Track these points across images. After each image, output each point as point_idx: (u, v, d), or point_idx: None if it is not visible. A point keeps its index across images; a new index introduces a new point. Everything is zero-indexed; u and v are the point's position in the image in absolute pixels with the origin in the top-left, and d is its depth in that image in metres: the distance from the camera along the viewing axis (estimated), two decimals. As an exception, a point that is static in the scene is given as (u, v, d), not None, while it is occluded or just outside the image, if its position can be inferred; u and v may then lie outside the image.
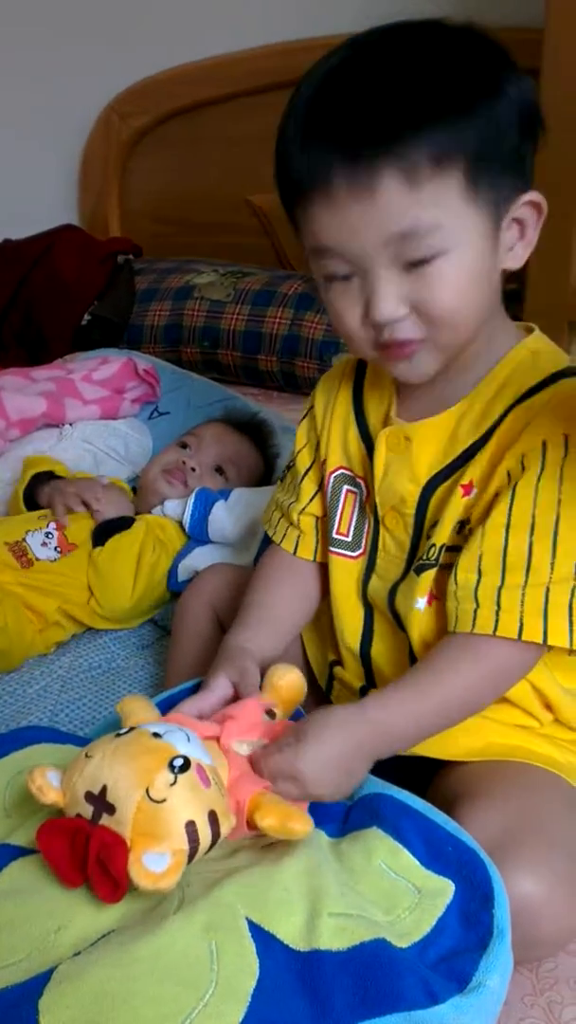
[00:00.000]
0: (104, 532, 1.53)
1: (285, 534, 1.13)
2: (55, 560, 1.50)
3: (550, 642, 0.89)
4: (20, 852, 0.83)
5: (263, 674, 0.98)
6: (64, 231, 2.58)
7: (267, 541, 1.18)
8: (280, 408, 2.12)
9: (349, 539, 1.07)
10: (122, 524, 1.54)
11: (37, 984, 0.70)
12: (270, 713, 0.94)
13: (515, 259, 0.92)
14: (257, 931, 0.74)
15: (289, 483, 1.14)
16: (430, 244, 0.84)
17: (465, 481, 0.94)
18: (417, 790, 0.92)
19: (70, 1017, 0.68)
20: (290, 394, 2.28)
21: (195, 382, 2.15)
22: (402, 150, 0.81)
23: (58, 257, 2.48)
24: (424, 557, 0.97)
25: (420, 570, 0.97)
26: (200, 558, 1.50)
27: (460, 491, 0.95)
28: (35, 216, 2.61)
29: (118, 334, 2.38)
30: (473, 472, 0.94)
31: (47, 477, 1.65)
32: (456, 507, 0.95)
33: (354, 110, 0.83)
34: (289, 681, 0.97)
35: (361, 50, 0.86)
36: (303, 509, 1.11)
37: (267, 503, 1.19)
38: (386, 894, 0.81)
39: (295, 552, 1.11)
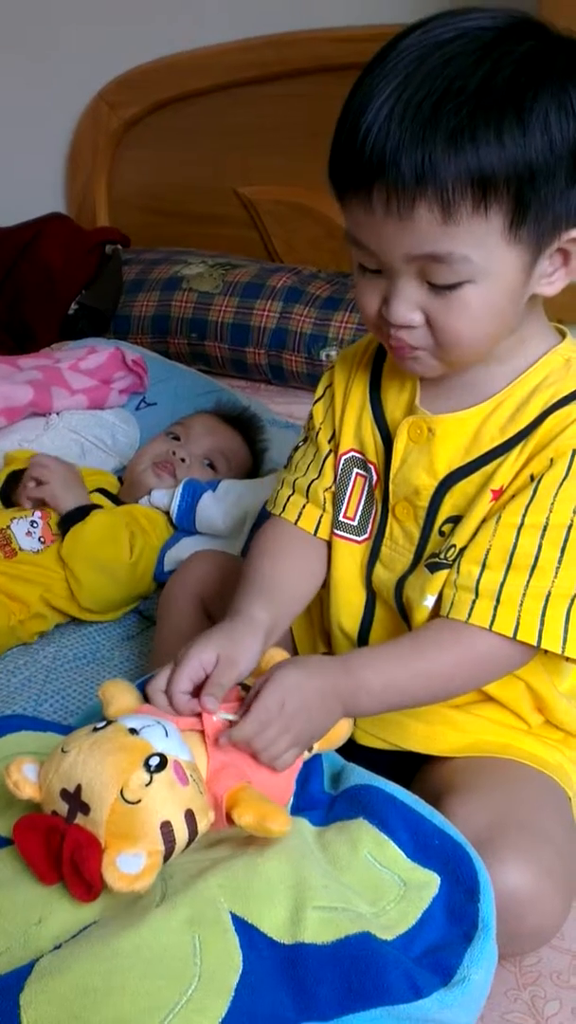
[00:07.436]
0: (64, 526, 1.49)
1: (302, 512, 1.07)
2: (38, 551, 1.48)
3: (543, 646, 0.88)
4: (1, 842, 0.82)
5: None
6: (52, 220, 2.56)
7: (259, 526, 1.14)
8: (268, 401, 2.12)
9: (355, 523, 1.05)
10: (79, 515, 1.49)
11: (18, 978, 0.69)
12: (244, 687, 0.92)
13: (551, 286, 0.89)
14: (240, 924, 0.74)
15: (304, 461, 1.10)
16: (458, 272, 0.83)
17: (495, 487, 0.92)
18: (402, 784, 0.92)
19: (52, 1012, 0.67)
20: (277, 387, 2.27)
21: (183, 373, 2.14)
22: (443, 181, 0.78)
23: (45, 246, 2.46)
24: (442, 556, 0.95)
25: (434, 568, 0.95)
26: (187, 548, 1.49)
27: (489, 495, 0.93)
28: (23, 204, 2.59)
29: (105, 324, 2.37)
30: (503, 478, 0.92)
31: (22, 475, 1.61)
32: (482, 511, 0.93)
33: (395, 133, 0.78)
34: None
35: (404, 54, 0.80)
36: (328, 487, 1.07)
37: (263, 491, 1.15)
38: (371, 886, 0.81)
39: (316, 532, 1.07)
